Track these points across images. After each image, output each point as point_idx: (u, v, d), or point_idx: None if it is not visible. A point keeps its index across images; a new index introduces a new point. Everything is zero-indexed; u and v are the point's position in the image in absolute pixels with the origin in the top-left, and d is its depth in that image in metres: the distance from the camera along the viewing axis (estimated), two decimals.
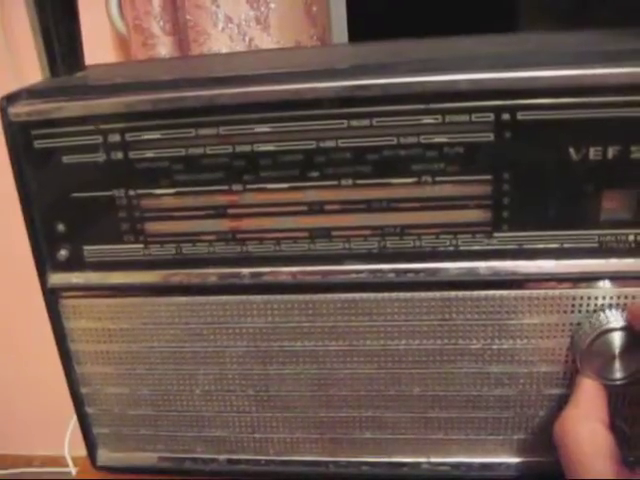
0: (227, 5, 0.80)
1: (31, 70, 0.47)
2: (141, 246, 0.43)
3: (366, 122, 0.38)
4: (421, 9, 0.82)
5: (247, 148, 0.40)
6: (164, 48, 0.84)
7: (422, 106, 0.38)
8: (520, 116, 0.37)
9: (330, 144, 0.39)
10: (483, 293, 0.41)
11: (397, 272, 0.41)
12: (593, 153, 0.37)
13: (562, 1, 0.82)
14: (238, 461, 0.49)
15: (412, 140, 0.38)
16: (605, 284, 0.40)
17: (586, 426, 0.37)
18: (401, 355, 0.43)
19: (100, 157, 0.41)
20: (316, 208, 0.40)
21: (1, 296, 1.25)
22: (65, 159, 0.41)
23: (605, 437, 0.36)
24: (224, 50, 0.81)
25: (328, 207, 0.40)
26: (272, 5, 0.80)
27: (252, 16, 0.80)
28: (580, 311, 0.40)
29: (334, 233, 0.41)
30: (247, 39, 0.81)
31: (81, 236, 0.43)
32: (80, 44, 0.46)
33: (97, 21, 0.93)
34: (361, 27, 0.86)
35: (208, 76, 0.41)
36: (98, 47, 0.96)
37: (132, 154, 0.41)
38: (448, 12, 0.81)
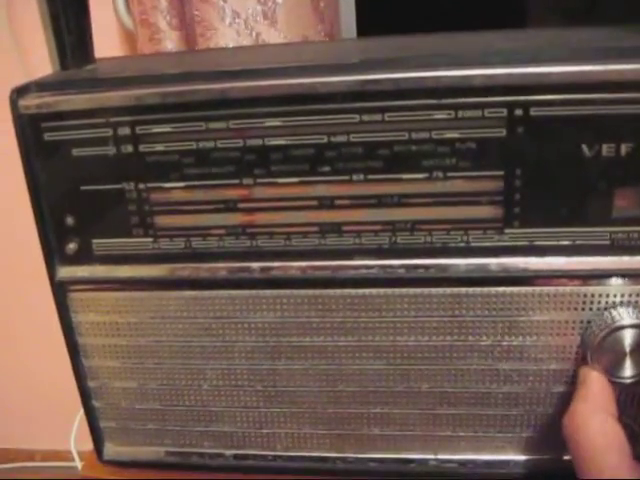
0: (234, 0, 0.80)
1: (38, 63, 0.47)
2: (150, 240, 0.43)
3: (378, 117, 0.38)
4: (429, 4, 0.82)
5: (258, 142, 0.39)
6: (171, 43, 0.84)
7: (434, 101, 0.37)
8: (533, 112, 0.37)
9: (341, 139, 0.39)
10: (493, 290, 0.41)
11: (407, 268, 0.41)
12: (606, 150, 0.37)
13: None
14: (245, 456, 0.48)
15: (424, 135, 0.38)
16: (616, 281, 0.40)
17: (597, 420, 0.37)
18: (410, 351, 0.43)
19: (110, 150, 0.41)
20: (327, 203, 0.40)
21: (6, 288, 1.25)
22: (75, 152, 0.41)
23: (616, 431, 0.36)
24: (231, 45, 0.81)
25: (339, 202, 0.40)
26: (279, 0, 0.79)
27: (259, 11, 0.80)
28: (591, 309, 0.40)
29: (344, 228, 0.41)
30: (254, 34, 0.81)
31: (90, 229, 0.43)
32: (90, 37, 0.46)
33: (104, 15, 0.92)
34: (370, 23, 0.86)
35: (219, 69, 0.41)
36: (105, 41, 0.96)
37: (142, 147, 0.40)
38: (457, 8, 0.80)
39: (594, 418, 0.37)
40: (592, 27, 0.49)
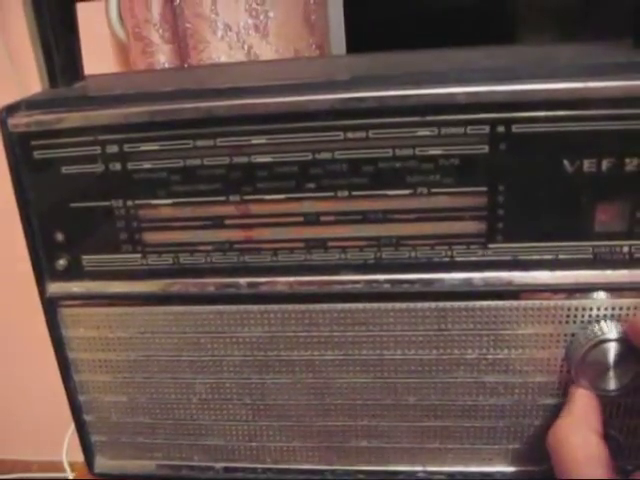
0: (226, 13, 0.80)
1: (34, 82, 0.48)
2: (139, 256, 0.43)
3: (362, 134, 0.38)
4: (419, 17, 0.83)
5: (244, 159, 0.40)
6: (163, 56, 0.85)
7: (418, 118, 0.38)
8: (515, 128, 0.37)
9: (326, 156, 0.39)
10: (478, 304, 0.41)
11: (393, 282, 0.42)
12: (587, 165, 0.38)
13: (561, 11, 0.82)
14: (235, 469, 0.49)
15: (408, 152, 0.39)
16: (599, 295, 0.40)
17: (579, 435, 0.37)
18: (397, 365, 0.43)
19: (98, 168, 0.41)
20: (312, 219, 0.41)
21: (1, 302, 1.25)
22: (64, 169, 0.42)
23: (598, 446, 0.37)
24: (223, 58, 0.81)
25: (324, 218, 0.41)
26: (271, 13, 0.80)
27: (251, 24, 0.81)
28: (575, 322, 0.41)
29: (330, 244, 0.41)
30: (246, 47, 0.81)
31: (80, 246, 0.44)
32: (79, 55, 0.47)
33: (97, 28, 0.93)
34: (360, 35, 0.86)
35: (206, 88, 0.41)
36: (98, 54, 0.97)
37: (130, 165, 0.41)
38: (447, 21, 0.81)
39: (577, 433, 0.37)
40: (575, 43, 0.49)
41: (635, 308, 0.40)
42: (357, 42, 0.85)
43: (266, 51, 0.81)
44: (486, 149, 0.38)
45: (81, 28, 0.46)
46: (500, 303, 0.41)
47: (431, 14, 0.83)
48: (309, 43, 0.82)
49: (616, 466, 0.37)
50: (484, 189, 0.39)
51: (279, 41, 0.81)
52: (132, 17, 0.85)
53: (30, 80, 0.95)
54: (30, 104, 0.42)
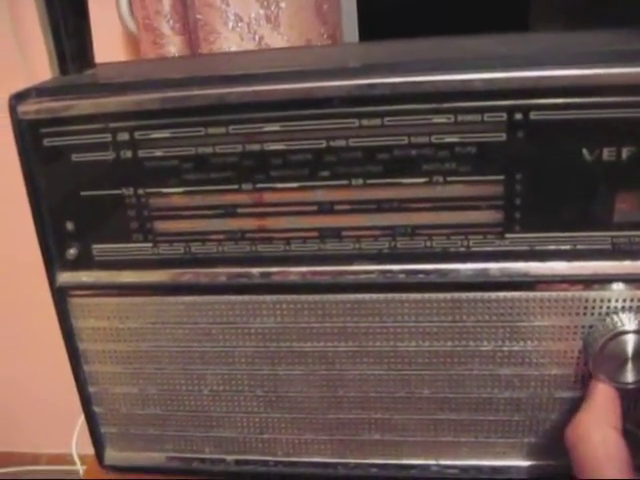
0: (237, 4, 0.79)
1: (43, 70, 0.47)
2: (150, 245, 0.43)
3: (377, 121, 0.38)
4: (432, 7, 0.82)
5: (257, 147, 0.39)
6: (174, 47, 0.84)
7: (434, 105, 0.37)
8: (533, 116, 0.37)
9: (340, 143, 0.39)
10: (494, 295, 0.41)
11: (407, 273, 0.41)
12: (607, 154, 0.37)
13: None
14: (246, 462, 0.48)
15: (423, 140, 0.38)
16: (618, 286, 0.39)
17: (599, 432, 0.37)
18: (411, 356, 0.43)
19: (109, 155, 0.41)
20: (326, 208, 0.40)
21: (9, 292, 1.25)
22: (74, 157, 0.41)
23: (618, 443, 0.36)
24: (234, 49, 0.81)
25: (338, 207, 0.40)
26: (282, 4, 0.79)
27: (262, 15, 0.80)
28: (592, 313, 0.40)
29: (344, 233, 0.41)
30: (257, 38, 0.81)
31: (90, 235, 0.43)
32: (90, 42, 0.46)
33: (108, 19, 0.93)
34: (372, 25, 0.85)
35: (218, 74, 0.41)
36: (108, 45, 0.97)
37: (141, 153, 0.40)
38: (459, 10, 0.80)
39: (597, 430, 0.37)
40: (592, 30, 0.48)
41: None
42: (370, 32, 0.85)
43: (277, 42, 0.80)
44: (503, 137, 0.37)
45: (91, 19, 0.46)
46: (516, 294, 0.40)
47: (444, 2, 0.82)
48: (321, 33, 0.81)
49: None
50: (501, 178, 0.38)
51: (291, 32, 0.80)
52: (142, 8, 0.84)
53: (39, 67, 0.94)
54: (40, 91, 0.41)
